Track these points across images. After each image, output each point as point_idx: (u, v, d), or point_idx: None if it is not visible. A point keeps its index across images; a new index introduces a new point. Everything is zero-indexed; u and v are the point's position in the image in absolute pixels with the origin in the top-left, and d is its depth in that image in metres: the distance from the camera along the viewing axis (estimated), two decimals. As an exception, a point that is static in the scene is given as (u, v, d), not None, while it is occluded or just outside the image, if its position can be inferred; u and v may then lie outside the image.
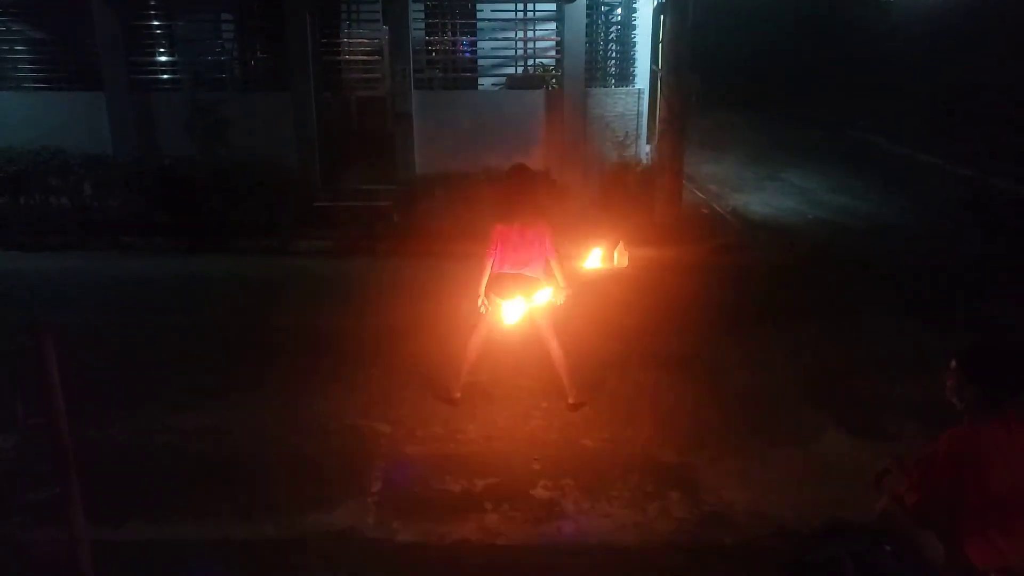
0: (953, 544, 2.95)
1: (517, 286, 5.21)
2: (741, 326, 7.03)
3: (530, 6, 10.86)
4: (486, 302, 5.24)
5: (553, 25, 10.89)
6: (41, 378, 3.00)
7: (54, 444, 3.11)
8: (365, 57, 11.64)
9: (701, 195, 12.23)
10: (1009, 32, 16.24)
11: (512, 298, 5.23)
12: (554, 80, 11.06)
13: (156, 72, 10.85)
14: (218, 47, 11.61)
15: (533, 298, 5.27)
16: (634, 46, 11.51)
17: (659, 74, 10.53)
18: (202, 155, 10.03)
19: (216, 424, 5.26)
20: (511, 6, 10.85)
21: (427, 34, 11.08)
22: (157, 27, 10.82)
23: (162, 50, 11.00)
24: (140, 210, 9.83)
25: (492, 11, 11.15)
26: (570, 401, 5.47)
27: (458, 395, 5.50)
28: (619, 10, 11.82)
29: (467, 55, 11.62)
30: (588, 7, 10.53)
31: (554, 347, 5.39)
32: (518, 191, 5.16)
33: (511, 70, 11.38)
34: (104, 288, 8.19)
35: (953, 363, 2.94)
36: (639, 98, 11.06)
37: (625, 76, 11.60)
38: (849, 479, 4.63)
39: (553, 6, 10.70)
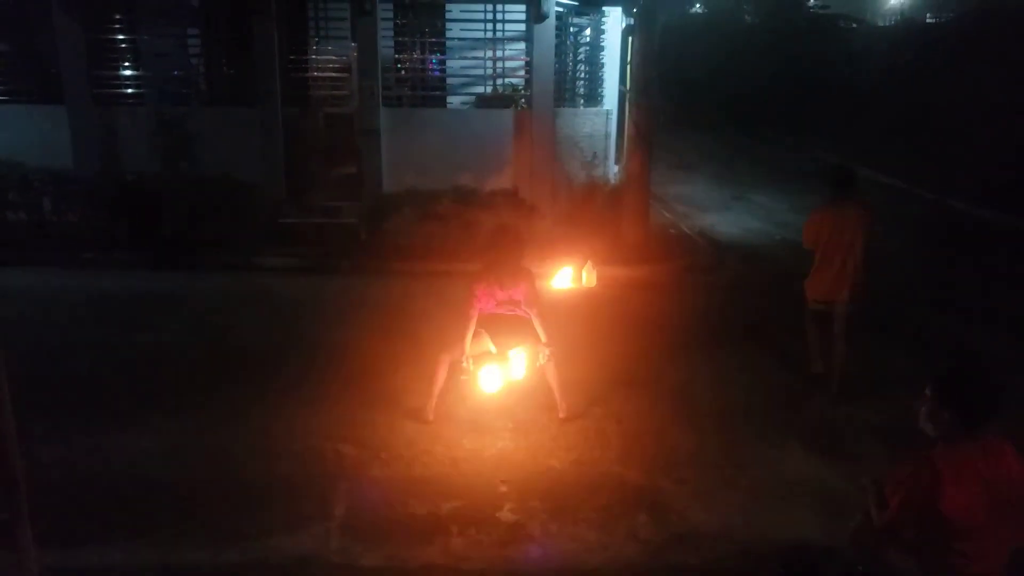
0: (926, 566, 2.96)
1: (498, 342, 5.40)
2: (708, 346, 7.07)
3: (499, 26, 10.90)
4: (469, 362, 5.32)
5: (522, 45, 10.93)
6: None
7: (3, 467, 3.00)
8: (333, 74, 11.57)
9: (669, 215, 12.33)
10: (965, 56, 16.71)
11: (491, 363, 5.40)
12: (523, 100, 11.10)
13: (119, 86, 10.68)
14: (183, 61, 11.47)
15: (511, 364, 5.40)
16: (603, 67, 11.63)
17: (627, 95, 10.61)
18: (165, 170, 9.88)
19: (175, 445, 5.14)
20: (481, 25, 10.88)
21: (396, 52, 11.06)
22: (121, 40, 10.66)
23: (126, 64, 10.83)
24: (101, 226, 9.64)
25: (462, 30, 11.16)
26: (560, 416, 5.52)
27: (431, 416, 5.46)
28: (588, 31, 11.93)
29: (436, 73, 11.61)
30: (557, 28, 10.59)
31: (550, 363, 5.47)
32: (502, 252, 5.24)
33: (480, 89, 11.39)
34: (62, 305, 7.99)
35: (928, 390, 2.94)
36: (607, 119, 11.14)
37: (594, 97, 11.69)
38: (815, 501, 4.65)
39: (523, 26, 10.75)
